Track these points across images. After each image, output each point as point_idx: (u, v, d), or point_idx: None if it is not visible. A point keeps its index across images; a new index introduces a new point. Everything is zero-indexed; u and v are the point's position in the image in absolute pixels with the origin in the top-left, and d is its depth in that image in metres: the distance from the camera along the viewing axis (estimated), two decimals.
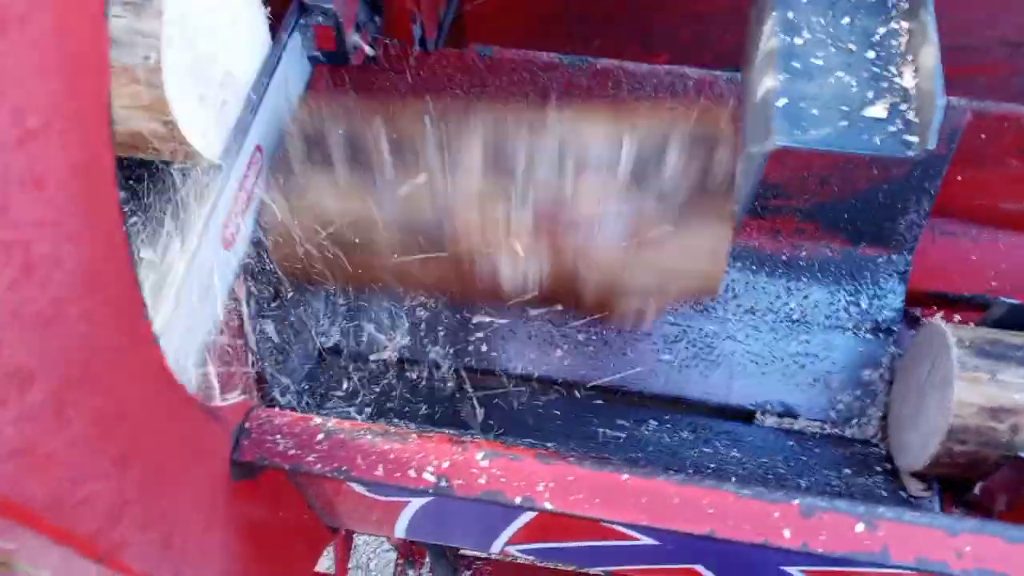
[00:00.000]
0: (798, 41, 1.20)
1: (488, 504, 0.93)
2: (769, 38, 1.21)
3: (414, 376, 1.67)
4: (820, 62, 1.17)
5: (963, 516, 1.46)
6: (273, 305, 1.41)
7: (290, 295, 1.44)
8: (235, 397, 1.00)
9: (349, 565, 2.39)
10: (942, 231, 1.75)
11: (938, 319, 1.54)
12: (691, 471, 1.57)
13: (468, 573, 2.37)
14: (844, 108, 1.11)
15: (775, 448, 1.62)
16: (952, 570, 0.92)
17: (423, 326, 1.69)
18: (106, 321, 0.68)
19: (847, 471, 1.58)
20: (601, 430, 1.60)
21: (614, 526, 0.99)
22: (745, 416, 1.68)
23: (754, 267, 1.74)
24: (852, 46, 1.19)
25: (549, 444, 1.52)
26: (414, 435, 0.99)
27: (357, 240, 1.25)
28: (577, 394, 1.68)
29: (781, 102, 1.12)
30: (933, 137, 1.04)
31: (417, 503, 1.10)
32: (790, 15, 1.22)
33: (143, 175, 1.23)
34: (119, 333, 0.70)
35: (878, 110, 1.11)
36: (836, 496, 1.54)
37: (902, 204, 1.65)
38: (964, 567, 0.92)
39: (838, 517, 0.95)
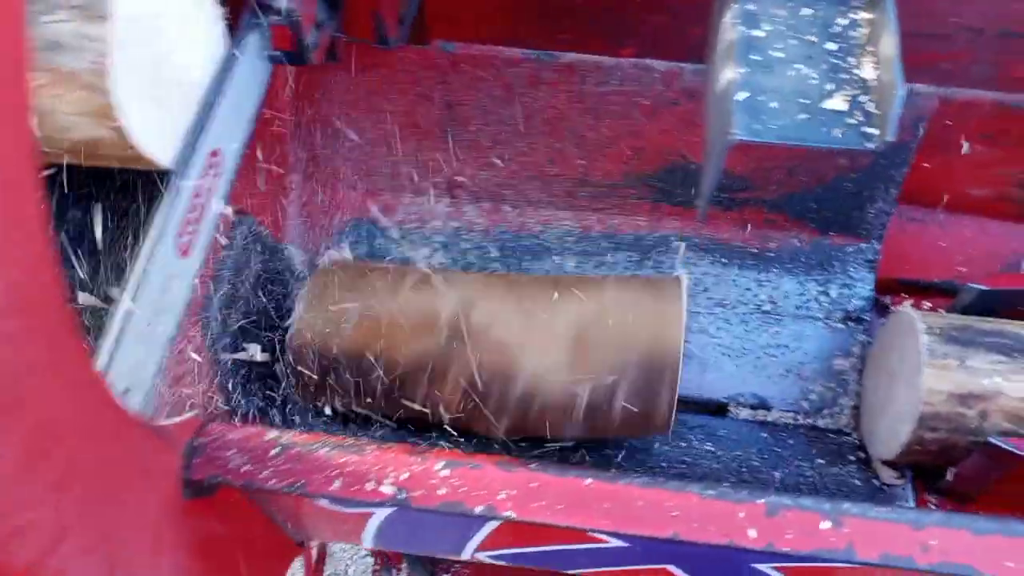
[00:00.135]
0: (758, 33, 1.18)
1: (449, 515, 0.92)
2: (729, 30, 1.20)
3: None
4: (780, 54, 1.16)
5: (932, 508, 1.46)
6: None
7: None
8: (187, 413, 0.97)
9: (328, 572, 2.37)
10: (910, 218, 1.74)
11: (907, 306, 1.54)
12: (664, 466, 1.57)
13: None
14: (804, 101, 1.10)
15: (749, 440, 1.62)
16: (918, 564, 0.92)
17: None
18: (34, 342, 0.65)
19: (820, 461, 1.58)
20: None
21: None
22: (718, 409, 1.67)
23: (724, 260, 1.73)
24: (813, 38, 1.18)
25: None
26: (372, 446, 0.97)
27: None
28: None
29: (741, 95, 1.10)
30: (893, 128, 1.03)
31: (382, 513, 1.08)
32: (751, 7, 1.20)
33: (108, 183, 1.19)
34: (48, 353, 0.67)
35: (838, 102, 1.09)
36: (810, 488, 1.55)
37: (869, 192, 1.65)
38: (929, 561, 0.92)
39: (803, 515, 0.94)
